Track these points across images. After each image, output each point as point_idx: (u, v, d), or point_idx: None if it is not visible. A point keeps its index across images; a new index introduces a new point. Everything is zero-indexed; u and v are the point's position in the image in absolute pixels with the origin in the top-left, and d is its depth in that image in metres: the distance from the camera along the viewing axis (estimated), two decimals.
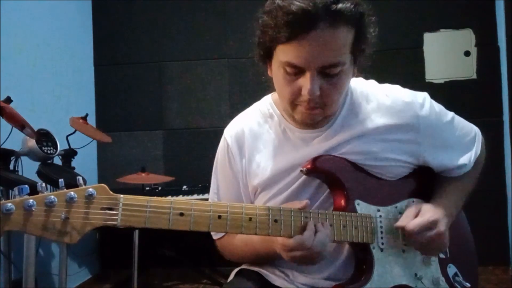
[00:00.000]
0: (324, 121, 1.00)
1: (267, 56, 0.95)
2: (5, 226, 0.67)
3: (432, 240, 0.95)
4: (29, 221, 0.68)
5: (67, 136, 2.31)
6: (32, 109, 2.47)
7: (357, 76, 1.01)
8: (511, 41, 2.72)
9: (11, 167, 1.98)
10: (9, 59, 2.27)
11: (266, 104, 1.10)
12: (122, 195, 0.77)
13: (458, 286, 1.05)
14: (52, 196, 0.70)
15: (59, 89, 2.80)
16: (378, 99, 1.02)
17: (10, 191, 1.90)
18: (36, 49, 2.58)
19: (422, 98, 1.03)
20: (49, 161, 2.08)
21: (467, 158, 1.07)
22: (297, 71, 0.89)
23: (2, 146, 1.91)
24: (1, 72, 2.18)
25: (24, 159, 2.05)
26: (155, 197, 0.79)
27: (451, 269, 1.06)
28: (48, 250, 2.55)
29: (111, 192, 0.76)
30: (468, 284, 1.05)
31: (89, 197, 0.73)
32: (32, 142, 1.94)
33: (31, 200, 0.68)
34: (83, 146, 2.42)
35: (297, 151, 1.02)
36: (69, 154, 2.28)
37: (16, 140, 1.98)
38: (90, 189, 0.74)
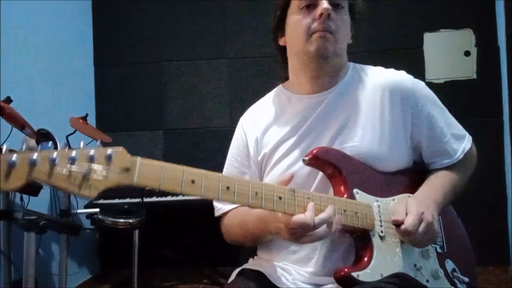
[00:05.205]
0: (329, 75, 1.10)
1: (282, 21, 1.10)
2: (32, 174, 0.70)
3: (425, 233, 0.96)
4: (53, 172, 0.71)
5: (67, 136, 2.32)
6: (32, 109, 2.47)
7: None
8: (511, 41, 2.73)
9: None
10: (9, 59, 2.27)
11: (276, 89, 1.23)
12: (139, 157, 0.80)
13: (457, 281, 1.06)
14: (74, 153, 0.73)
15: (59, 89, 2.80)
16: (378, 74, 1.13)
17: (10, 193, 1.90)
18: (36, 49, 2.58)
19: (419, 81, 1.13)
20: None
21: (457, 146, 1.11)
22: (310, 3, 1.03)
23: (2, 146, 1.91)
24: (1, 72, 2.18)
25: None
26: (169, 163, 0.82)
27: (449, 265, 1.08)
28: (48, 250, 2.55)
29: (129, 155, 0.79)
30: (466, 279, 1.06)
31: (108, 157, 0.76)
32: (32, 142, 1.94)
33: (55, 154, 0.72)
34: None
35: (299, 117, 1.11)
36: None
37: (16, 140, 1.98)
38: (109, 151, 0.77)
